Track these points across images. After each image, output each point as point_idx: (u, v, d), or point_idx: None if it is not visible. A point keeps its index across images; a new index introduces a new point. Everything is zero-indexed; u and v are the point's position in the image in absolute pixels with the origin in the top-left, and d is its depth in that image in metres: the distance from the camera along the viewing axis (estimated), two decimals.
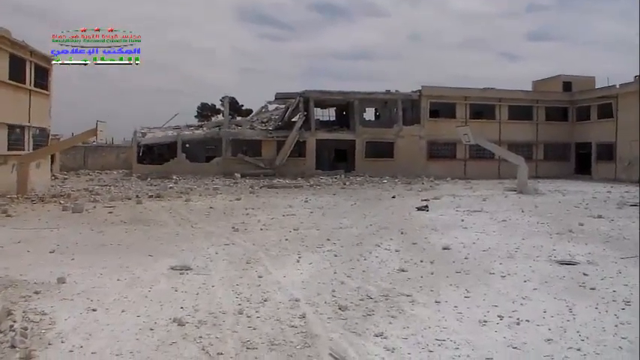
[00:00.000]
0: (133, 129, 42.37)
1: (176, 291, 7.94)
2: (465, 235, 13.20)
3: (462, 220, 16.02)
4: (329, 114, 47.73)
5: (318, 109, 45.18)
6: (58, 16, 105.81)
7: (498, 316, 6.74)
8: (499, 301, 7.46)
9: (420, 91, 42.13)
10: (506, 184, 31.67)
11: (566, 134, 43.68)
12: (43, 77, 26.81)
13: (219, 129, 41.84)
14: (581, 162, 42.59)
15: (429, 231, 14.02)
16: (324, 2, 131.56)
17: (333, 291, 7.99)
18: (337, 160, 42.54)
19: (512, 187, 28.63)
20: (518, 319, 6.63)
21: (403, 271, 9.34)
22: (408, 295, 7.74)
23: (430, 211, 18.48)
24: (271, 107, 48.06)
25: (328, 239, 12.71)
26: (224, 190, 27.68)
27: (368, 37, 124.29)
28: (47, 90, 27.34)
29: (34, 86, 25.69)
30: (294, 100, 41.95)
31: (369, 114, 47.24)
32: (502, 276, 8.99)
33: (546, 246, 11.72)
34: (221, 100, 50.11)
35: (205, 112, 68.05)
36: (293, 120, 41.92)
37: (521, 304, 7.30)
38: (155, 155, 41.77)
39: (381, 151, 41.28)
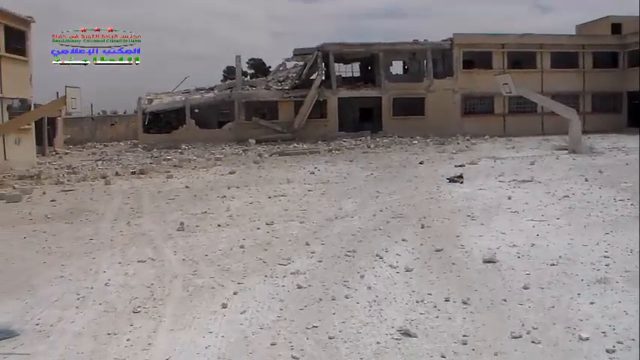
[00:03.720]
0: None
1: None
2: (517, 229, 9.05)
3: (509, 198, 12.02)
4: (352, 69, 43.46)
5: (340, 64, 41.17)
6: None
7: None
8: None
9: (451, 39, 37.49)
10: (554, 141, 27.26)
11: (617, 82, 38.43)
12: (17, 41, 23.61)
13: (231, 91, 38.20)
14: (635, 113, 37.10)
15: (463, 220, 10.04)
16: None
17: None
18: (362, 120, 38.41)
19: (563, 145, 24.41)
20: None
21: (408, 335, 4.87)
22: None
23: (465, 183, 14.75)
24: (289, 65, 43.88)
25: (307, 243, 8.58)
26: (226, 161, 24.39)
27: None
28: (25, 56, 24.15)
29: (6, 51, 22.55)
30: (311, 56, 37.90)
31: (397, 68, 42.78)
32: (608, 350, 4.47)
33: None
34: (248, 62, 45.97)
35: (231, 76, 64.41)
36: (312, 78, 38.01)
37: None
38: (162, 123, 38.45)
39: (411, 108, 37.04)
